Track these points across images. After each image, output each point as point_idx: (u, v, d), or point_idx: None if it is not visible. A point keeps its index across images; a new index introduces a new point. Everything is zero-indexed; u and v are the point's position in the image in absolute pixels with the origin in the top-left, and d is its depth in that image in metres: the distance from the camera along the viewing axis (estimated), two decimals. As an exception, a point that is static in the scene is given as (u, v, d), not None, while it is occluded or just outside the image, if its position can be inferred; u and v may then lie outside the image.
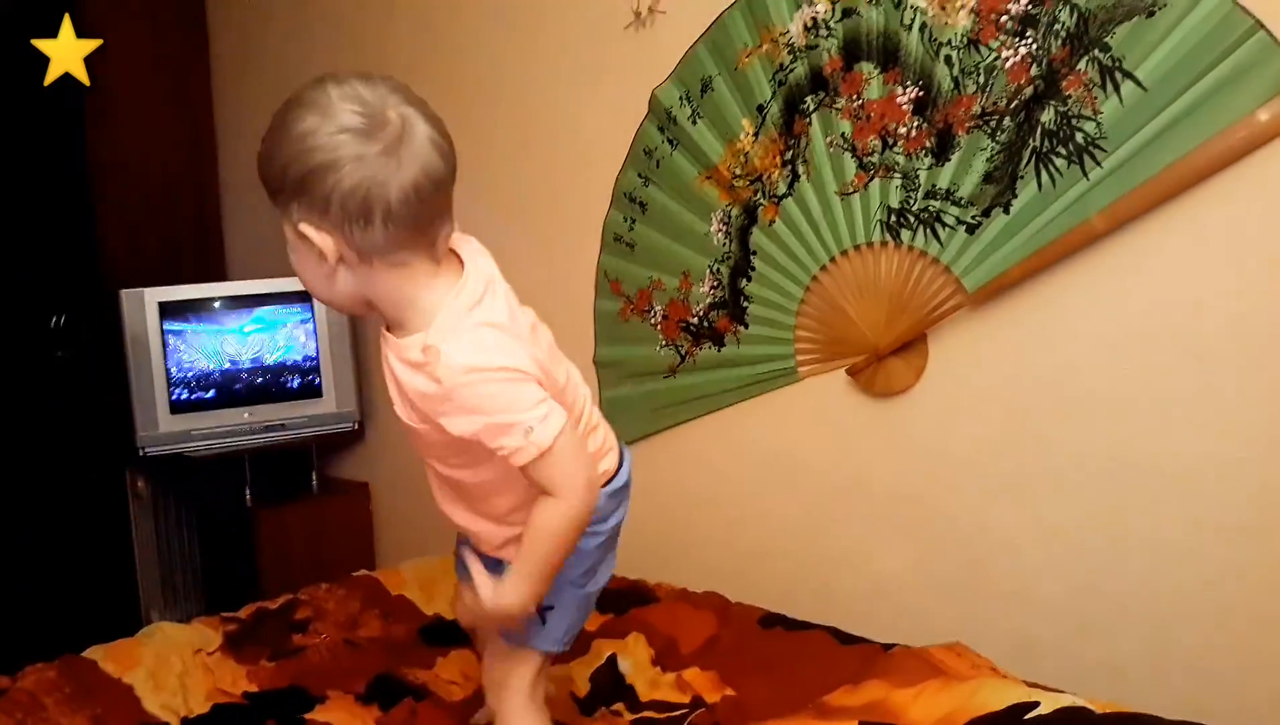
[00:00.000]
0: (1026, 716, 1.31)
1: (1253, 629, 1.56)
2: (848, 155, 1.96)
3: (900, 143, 1.88)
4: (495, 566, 1.29)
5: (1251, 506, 1.56)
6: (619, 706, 1.63)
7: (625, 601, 1.97)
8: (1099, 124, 1.65)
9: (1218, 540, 1.59)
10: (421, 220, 1.12)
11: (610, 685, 1.68)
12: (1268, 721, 1.51)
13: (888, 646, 1.67)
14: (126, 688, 1.72)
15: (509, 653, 1.37)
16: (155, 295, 2.89)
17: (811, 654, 1.69)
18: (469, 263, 1.20)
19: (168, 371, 2.90)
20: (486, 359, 1.12)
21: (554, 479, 1.16)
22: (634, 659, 1.72)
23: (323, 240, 1.11)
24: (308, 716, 1.63)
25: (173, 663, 1.80)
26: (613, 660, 1.73)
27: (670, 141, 2.24)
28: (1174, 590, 1.64)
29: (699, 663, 1.71)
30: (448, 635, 1.89)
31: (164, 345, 2.90)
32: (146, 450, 2.89)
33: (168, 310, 2.91)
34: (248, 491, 3.02)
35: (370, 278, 1.15)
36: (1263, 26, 1.48)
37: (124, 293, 2.88)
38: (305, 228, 1.11)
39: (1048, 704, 1.32)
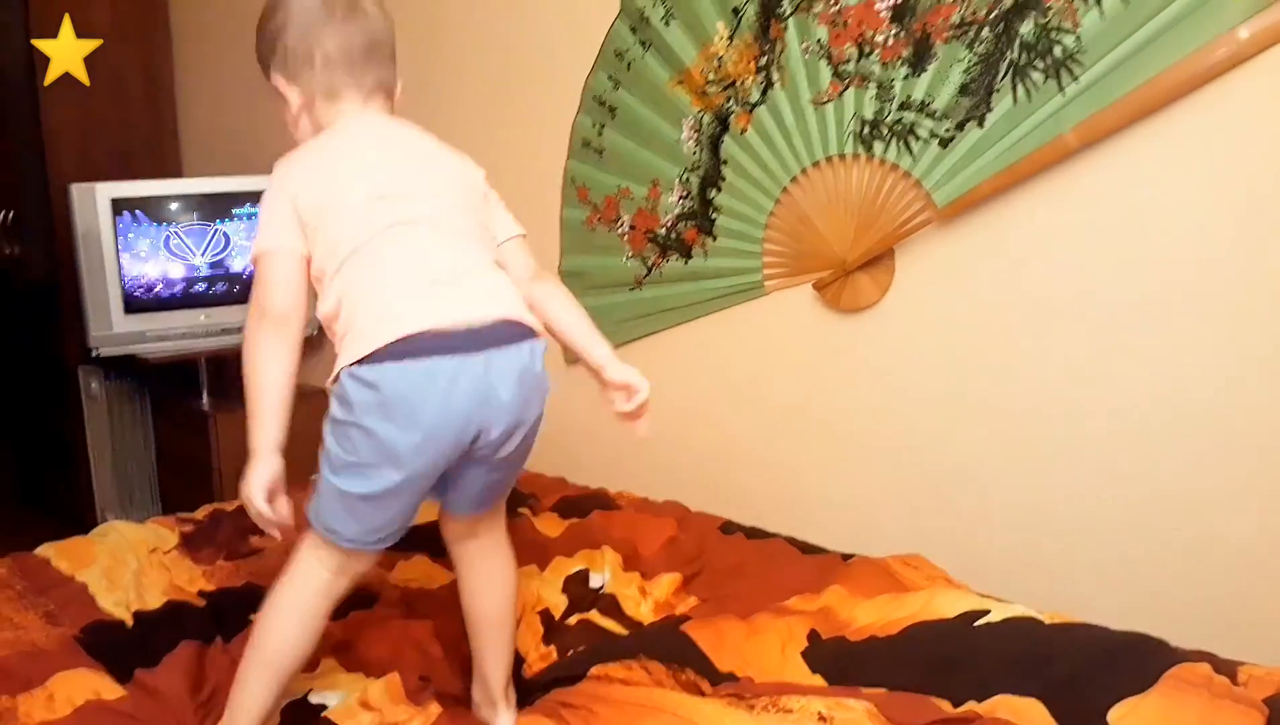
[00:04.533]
0: (977, 623, 1.33)
1: (1199, 545, 1.60)
2: (823, 63, 1.92)
3: (877, 51, 1.84)
4: None
5: (1209, 430, 1.57)
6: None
7: (587, 506, 1.98)
8: (1078, 37, 1.62)
9: (1171, 461, 1.61)
10: (353, 66, 1.33)
11: (586, 597, 1.68)
12: (1212, 633, 1.55)
13: (847, 557, 1.69)
14: (80, 585, 1.70)
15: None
16: (108, 191, 2.80)
17: (772, 561, 1.71)
18: (364, 116, 1.35)
19: (121, 270, 2.83)
20: (275, 175, 1.31)
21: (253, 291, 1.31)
22: (611, 571, 1.73)
23: (288, 89, 1.36)
24: (254, 617, 1.63)
25: (128, 561, 1.78)
26: (584, 575, 1.73)
27: (642, 43, 2.18)
28: (1126, 508, 1.67)
29: (662, 569, 1.72)
30: (406, 539, 1.88)
31: (117, 243, 2.82)
32: (100, 350, 2.84)
33: (121, 207, 2.82)
34: (204, 394, 2.98)
35: (317, 116, 1.36)
36: (1248, -60, 1.45)
37: (74, 187, 2.79)
38: (276, 80, 1.36)
39: (999, 612, 1.35)
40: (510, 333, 1.27)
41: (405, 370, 1.19)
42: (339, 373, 1.23)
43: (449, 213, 1.32)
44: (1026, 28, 1.66)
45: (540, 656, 1.54)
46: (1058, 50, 1.64)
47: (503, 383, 1.25)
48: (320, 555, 1.31)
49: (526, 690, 1.45)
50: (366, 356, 1.19)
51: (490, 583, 1.43)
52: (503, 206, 1.47)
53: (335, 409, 1.25)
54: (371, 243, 1.25)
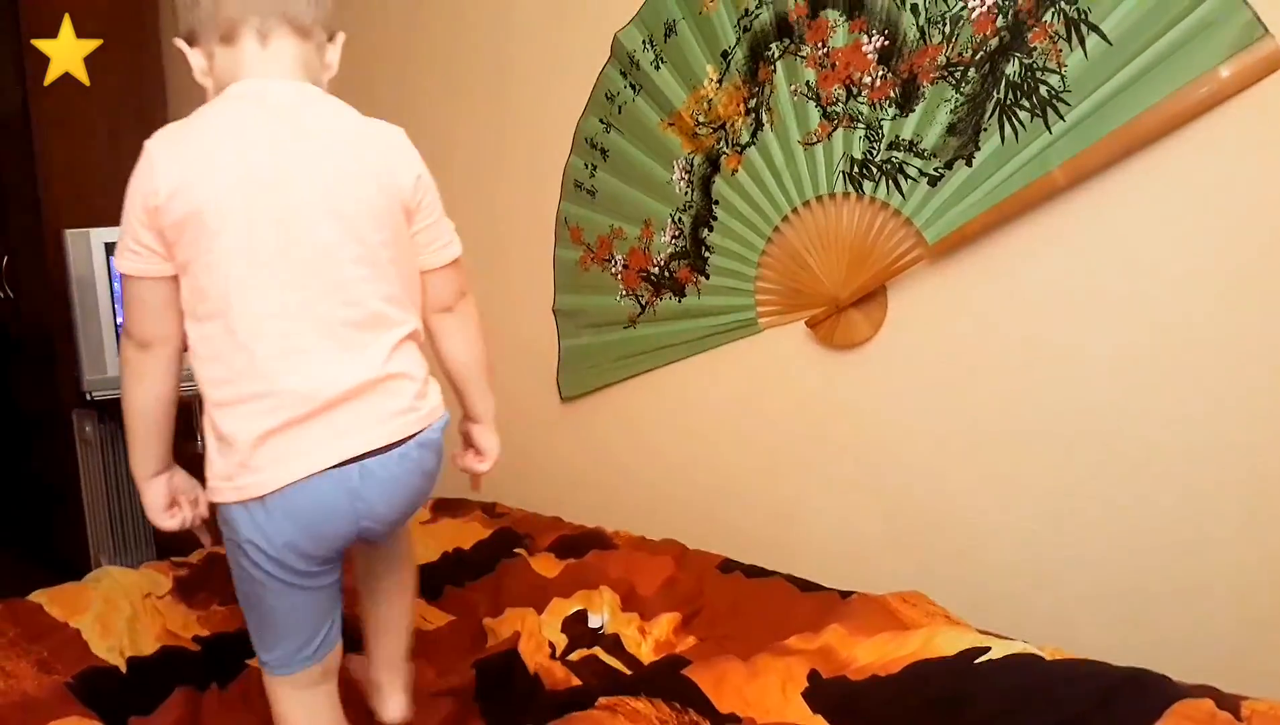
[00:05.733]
0: (978, 661, 1.33)
1: (1198, 579, 1.60)
2: (811, 104, 1.94)
3: (864, 92, 1.87)
4: None
5: (1204, 464, 1.58)
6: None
7: (584, 545, 1.97)
8: (1063, 77, 1.64)
9: (1167, 495, 1.62)
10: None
11: (585, 635, 1.67)
12: (1212, 671, 1.55)
13: (846, 594, 1.68)
14: (74, 631, 1.69)
15: None
16: (102, 236, 2.82)
17: (771, 600, 1.71)
18: (260, 87, 1.19)
19: (115, 313, 2.84)
20: (142, 162, 1.13)
21: None
22: (610, 611, 1.72)
23: (191, 53, 1.23)
24: (250, 662, 1.61)
25: (121, 607, 1.77)
26: (582, 615, 1.72)
27: (633, 86, 2.21)
28: (1124, 544, 1.67)
29: (661, 609, 1.71)
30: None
31: (111, 286, 2.83)
32: (93, 393, 2.83)
33: (114, 250, 2.83)
34: (199, 438, 2.97)
35: (219, 75, 1.21)
36: (1227, -19, 1.48)
37: (69, 233, 2.81)
38: (180, 45, 1.24)
39: (999, 649, 1.35)
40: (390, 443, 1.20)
41: (260, 507, 1.16)
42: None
43: (339, 263, 1.15)
44: (1012, 68, 1.69)
45: (545, 668, 1.54)
46: (1043, 90, 1.66)
47: (377, 486, 1.19)
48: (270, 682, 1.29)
49: (539, 707, 1.43)
50: None
51: (387, 587, 1.43)
52: (439, 217, 1.28)
53: (219, 521, 1.23)
54: (241, 324, 1.13)
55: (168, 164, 1.11)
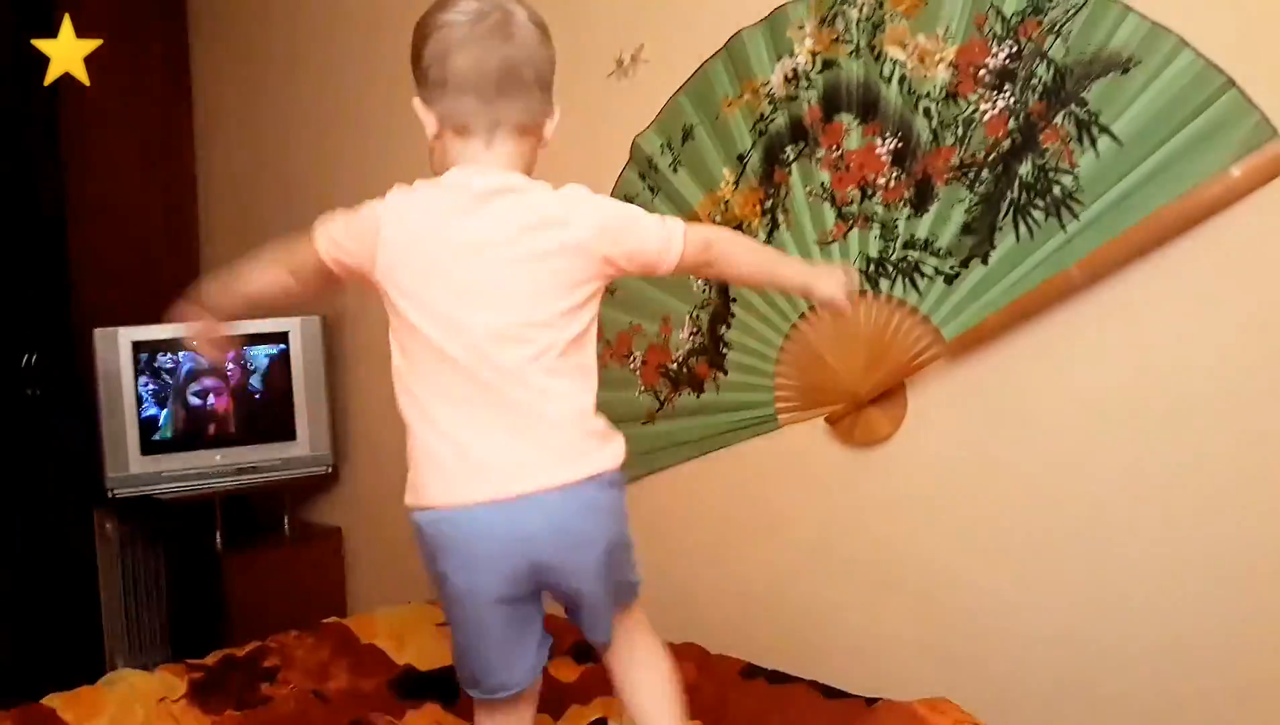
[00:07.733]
0: (1008, 773, 1.29)
1: (1232, 684, 1.55)
2: (827, 205, 1.97)
3: (879, 193, 1.90)
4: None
5: (1229, 560, 1.55)
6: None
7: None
8: (1076, 177, 1.66)
9: (1197, 593, 1.58)
10: (484, 95, 1.25)
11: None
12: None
13: (871, 701, 1.64)
14: (86, 739, 1.67)
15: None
16: (129, 335, 2.86)
17: (795, 708, 1.66)
18: (471, 173, 1.28)
19: (139, 412, 2.86)
20: (389, 199, 1.30)
21: None
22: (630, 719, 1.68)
23: (425, 114, 1.30)
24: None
25: (135, 711, 1.75)
26: (602, 723, 1.68)
27: (651, 189, 2.25)
28: (1154, 642, 1.63)
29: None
30: (418, 687, 1.85)
31: (137, 385, 2.86)
32: (115, 492, 2.84)
33: (142, 350, 2.87)
34: (218, 535, 2.97)
35: (445, 150, 1.31)
36: (1234, 85, 1.51)
37: (98, 332, 2.85)
38: (415, 103, 1.30)
39: (1029, 761, 1.31)
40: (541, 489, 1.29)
41: (432, 518, 1.29)
42: None
43: (505, 341, 1.25)
44: (1025, 168, 1.72)
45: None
46: (1057, 190, 1.68)
47: (534, 528, 1.29)
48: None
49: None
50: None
51: (635, 685, 1.47)
52: (640, 228, 1.38)
53: None
54: (421, 378, 1.27)
55: (408, 222, 1.26)
